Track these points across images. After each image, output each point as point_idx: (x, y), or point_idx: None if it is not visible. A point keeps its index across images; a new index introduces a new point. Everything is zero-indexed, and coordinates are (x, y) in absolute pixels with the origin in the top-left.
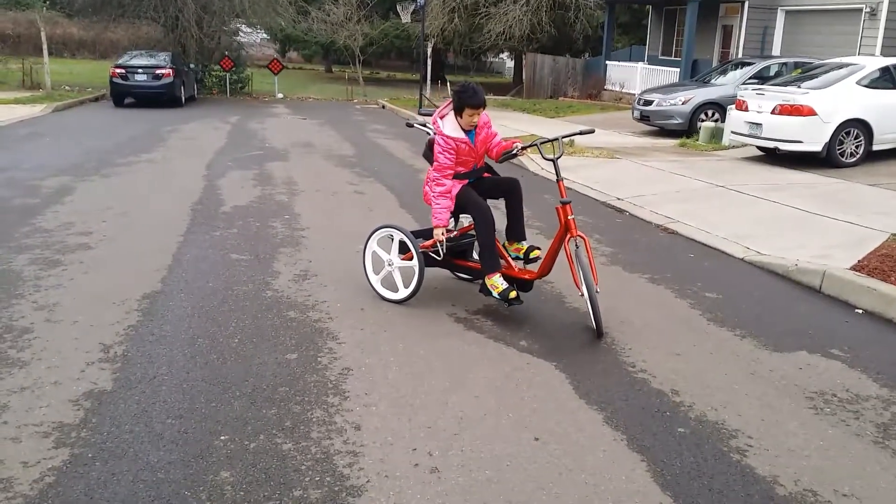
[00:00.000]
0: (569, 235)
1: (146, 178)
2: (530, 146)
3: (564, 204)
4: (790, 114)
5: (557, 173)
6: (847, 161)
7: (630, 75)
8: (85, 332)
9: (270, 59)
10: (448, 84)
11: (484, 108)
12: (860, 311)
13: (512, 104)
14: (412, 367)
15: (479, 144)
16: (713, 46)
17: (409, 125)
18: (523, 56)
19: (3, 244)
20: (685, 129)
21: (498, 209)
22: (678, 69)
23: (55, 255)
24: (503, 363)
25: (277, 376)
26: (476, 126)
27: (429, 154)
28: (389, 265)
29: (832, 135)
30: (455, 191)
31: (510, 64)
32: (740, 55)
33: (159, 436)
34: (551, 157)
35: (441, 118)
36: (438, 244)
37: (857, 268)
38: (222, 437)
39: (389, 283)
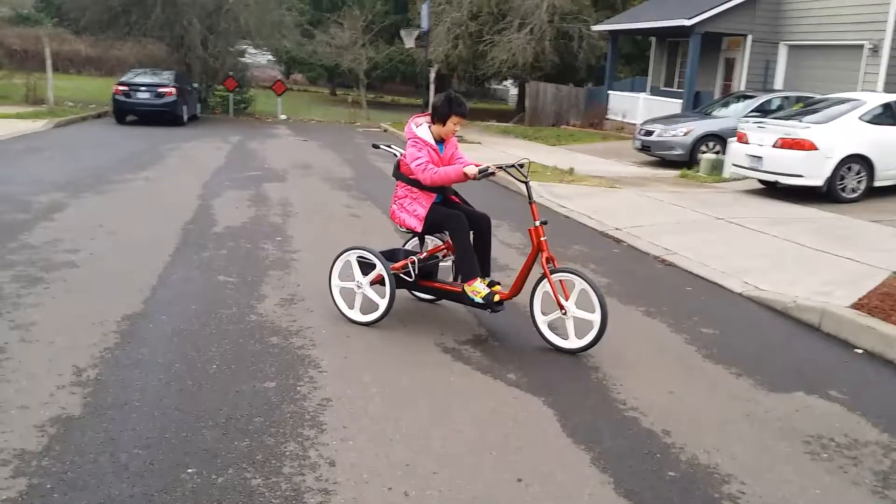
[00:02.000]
0: (544, 255)
1: (140, 196)
2: (501, 167)
3: (538, 226)
4: (791, 147)
5: (529, 196)
6: (848, 196)
7: (632, 105)
8: (60, 354)
9: (274, 81)
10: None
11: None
12: (860, 351)
13: (514, 131)
14: (395, 398)
15: (447, 159)
16: (715, 79)
17: (376, 146)
18: (526, 84)
19: None
20: (686, 161)
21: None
22: (680, 100)
23: (39, 273)
24: (489, 397)
25: (253, 406)
26: (445, 141)
27: (397, 173)
28: (358, 287)
29: (833, 170)
30: (426, 207)
31: (514, 91)
32: (742, 88)
33: (124, 467)
34: (524, 179)
35: (416, 125)
36: (410, 265)
37: (857, 306)
38: (189, 470)
39: (360, 305)
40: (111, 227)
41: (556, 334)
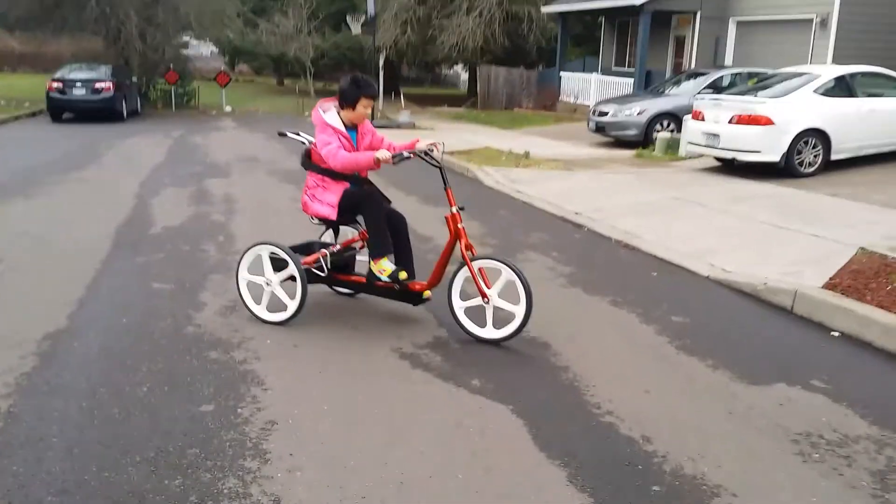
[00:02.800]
0: (462, 242)
1: (73, 199)
2: (414, 153)
3: (454, 212)
4: (747, 123)
5: (444, 181)
6: (805, 171)
7: (584, 86)
8: None
9: (218, 72)
10: (402, 96)
11: (374, 99)
12: (836, 334)
13: (466, 116)
14: (348, 416)
15: (362, 147)
16: (666, 57)
17: (282, 134)
18: (477, 68)
19: None
20: (641, 140)
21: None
22: (632, 80)
23: None
24: (453, 408)
25: (188, 434)
26: (357, 129)
27: (307, 162)
28: (267, 284)
29: (790, 144)
30: (338, 195)
31: (465, 76)
32: (693, 66)
33: None
34: (438, 164)
35: (324, 111)
36: (322, 258)
37: (830, 286)
38: None
39: (267, 303)
40: (37, 234)
41: (473, 322)
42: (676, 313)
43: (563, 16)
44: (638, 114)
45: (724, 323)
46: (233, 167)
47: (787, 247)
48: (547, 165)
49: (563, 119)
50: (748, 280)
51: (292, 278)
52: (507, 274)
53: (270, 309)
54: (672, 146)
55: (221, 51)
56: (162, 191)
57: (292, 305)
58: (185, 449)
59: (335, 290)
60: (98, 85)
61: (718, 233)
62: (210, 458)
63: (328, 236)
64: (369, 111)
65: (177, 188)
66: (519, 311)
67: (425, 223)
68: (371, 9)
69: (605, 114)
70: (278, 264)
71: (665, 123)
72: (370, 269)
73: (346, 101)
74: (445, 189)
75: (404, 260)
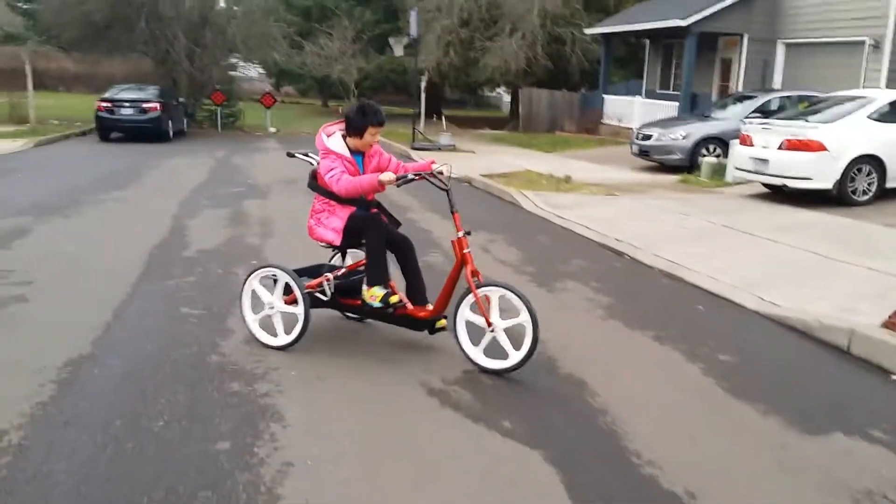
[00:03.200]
0: (469, 268)
1: (111, 219)
2: (419, 175)
3: (461, 237)
4: (798, 149)
5: (451, 205)
6: (859, 199)
7: (627, 109)
8: None
9: (263, 94)
10: (443, 118)
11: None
12: None
13: (507, 139)
14: (370, 459)
15: (369, 171)
16: (712, 80)
17: (291, 155)
18: (519, 90)
19: None
20: (686, 165)
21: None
22: (677, 103)
23: None
24: (482, 453)
25: (201, 474)
26: (364, 153)
27: (313, 184)
28: (270, 308)
29: (843, 171)
30: (343, 219)
31: (507, 98)
32: (740, 89)
33: None
34: (446, 187)
35: (327, 136)
36: (325, 283)
37: (889, 325)
38: None
39: (269, 327)
40: (72, 255)
41: (492, 357)
42: (724, 351)
43: (607, 37)
44: (683, 138)
45: (775, 363)
46: (272, 189)
47: (841, 280)
48: (588, 190)
49: (606, 142)
50: (799, 316)
51: (295, 302)
52: (497, 292)
53: (287, 331)
54: (718, 171)
55: (268, 73)
56: (200, 212)
57: (287, 336)
58: (197, 491)
59: (346, 316)
60: (145, 105)
61: (767, 264)
62: (221, 501)
63: (337, 259)
64: (377, 139)
65: (215, 209)
66: (524, 318)
67: None
68: (414, 30)
69: (649, 137)
70: (289, 290)
71: (711, 148)
72: (363, 296)
73: (354, 129)
74: (452, 213)
75: (414, 286)
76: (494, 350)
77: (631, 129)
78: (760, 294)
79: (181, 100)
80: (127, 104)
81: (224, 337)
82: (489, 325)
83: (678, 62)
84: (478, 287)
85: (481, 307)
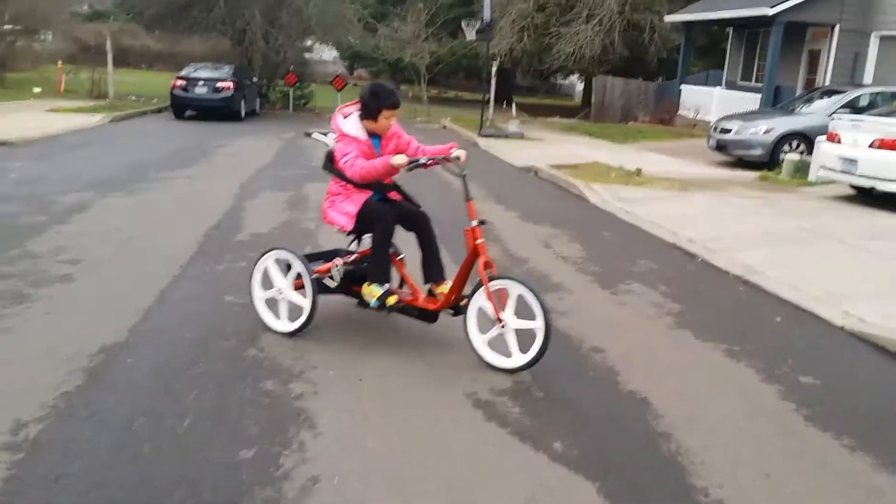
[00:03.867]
0: (482, 260)
1: (172, 197)
2: (432, 160)
3: (474, 226)
4: (892, 149)
5: (466, 193)
6: None
7: (706, 101)
8: (5, 402)
9: (335, 76)
10: (513, 105)
11: (398, 108)
12: None
13: (578, 128)
14: (404, 477)
15: (386, 153)
16: (798, 72)
17: (307, 134)
18: (593, 78)
19: None
20: (766, 162)
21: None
22: (759, 95)
23: (27, 289)
24: (528, 476)
25: (219, 486)
26: (382, 137)
27: (329, 165)
28: (279, 293)
29: None
30: (358, 204)
31: (580, 87)
32: (828, 82)
33: None
34: (461, 173)
35: (343, 117)
36: (334, 268)
37: None
38: None
39: (287, 313)
40: (127, 233)
41: (497, 352)
42: (805, 372)
43: (688, 25)
44: (764, 132)
45: (863, 388)
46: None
47: None
48: (660, 184)
49: (682, 135)
50: (890, 335)
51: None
52: (515, 289)
53: (291, 318)
54: (801, 170)
55: (341, 55)
56: (260, 193)
57: (305, 310)
58: None
59: (359, 303)
60: (219, 84)
61: (855, 273)
62: None
63: (357, 244)
64: (393, 122)
65: (275, 191)
66: (538, 325)
67: (522, 242)
68: (487, 15)
69: (728, 131)
70: (288, 271)
71: (794, 144)
72: (362, 292)
73: (368, 112)
74: (466, 201)
75: (431, 263)
76: (499, 344)
77: (708, 121)
78: (847, 307)
79: (255, 80)
80: (201, 83)
81: (265, 329)
82: (500, 321)
83: (762, 53)
84: (490, 280)
85: (493, 302)
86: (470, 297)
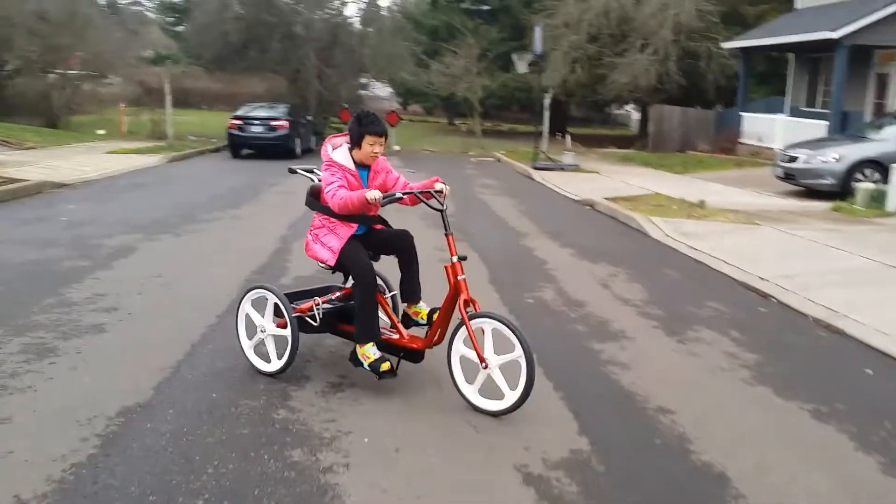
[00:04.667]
0: (462, 297)
1: (218, 238)
2: (407, 194)
3: (455, 262)
4: None
5: (445, 226)
6: None
7: (769, 128)
8: (8, 474)
9: (388, 111)
10: (567, 136)
11: (385, 139)
12: None
13: (635, 158)
14: None
15: (372, 187)
16: (865, 97)
17: (292, 171)
18: (649, 107)
19: (8, 322)
20: (838, 191)
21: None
22: (823, 122)
23: (55, 341)
24: None
25: None
26: (370, 167)
27: (311, 201)
28: (262, 332)
29: None
30: (343, 239)
31: (636, 115)
32: None
33: None
34: (439, 207)
35: (333, 147)
36: (315, 308)
37: None
38: None
39: (263, 352)
40: (168, 278)
41: (487, 398)
42: None
43: (746, 52)
44: (836, 160)
45: None
46: (386, 210)
47: None
48: (725, 217)
49: (744, 163)
50: None
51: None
52: (489, 324)
53: (280, 356)
54: (877, 199)
55: (395, 91)
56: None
57: (278, 361)
58: None
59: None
60: (274, 123)
61: None
62: None
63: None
64: (377, 149)
65: None
66: (518, 354)
67: (578, 281)
68: (538, 47)
69: (796, 159)
70: (281, 312)
71: (868, 172)
72: (354, 351)
73: (353, 139)
74: (446, 236)
75: (408, 285)
76: (490, 388)
77: (772, 149)
78: None
79: (309, 118)
80: (257, 122)
81: (298, 385)
82: (482, 360)
83: (826, 78)
84: (472, 318)
85: (474, 341)
86: (449, 345)
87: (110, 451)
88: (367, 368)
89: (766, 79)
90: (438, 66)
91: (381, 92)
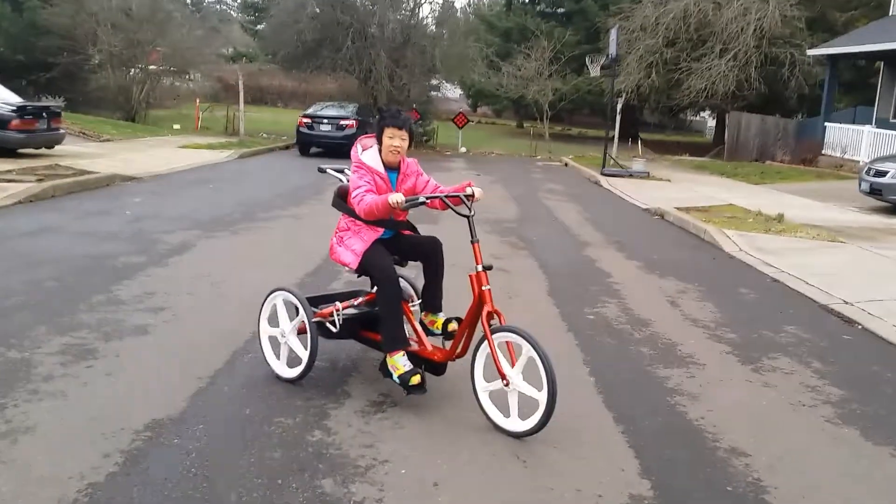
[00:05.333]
0: (486, 309)
1: (276, 237)
2: (433, 198)
3: (479, 271)
4: None
5: (472, 233)
6: None
7: (854, 140)
8: (18, 493)
9: (457, 113)
10: (638, 142)
11: (408, 133)
12: None
13: (710, 166)
14: None
15: (401, 191)
16: None
17: (322, 170)
18: (727, 115)
19: (54, 319)
20: None
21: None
22: None
23: (95, 343)
24: None
25: None
26: (400, 170)
27: (338, 202)
28: (282, 336)
29: None
30: (366, 242)
31: (712, 123)
32: None
33: None
34: (466, 213)
35: (363, 149)
36: (335, 313)
37: None
38: None
39: (286, 357)
40: (220, 277)
41: (497, 408)
42: None
43: (833, 59)
44: None
45: None
46: (446, 211)
47: None
48: (805, 232)
49: (826, 176)
50: None
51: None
52: (527, 350)
53: (290, 364)
54: None
55: (465, 93)
56: None
57: (304, 357)
58: None
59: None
60: (342, 122)
61: None
62: None
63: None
64: (397, 143)
65: None
66: (542, 397)
67: (644, 298)
68: (613, 50)
69: (884, 173)
70: (294, 313)
71: None
72: (384, 361)
73: (377, 136)
74: (472, 243)
75: (430, 292)
76: (500, 398)
77: (856, 161)
78: None
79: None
80: (325, 121)
81: (337, 403)
82: (504, 379)
83: None
84: (494, 332)
85: (495, 357)
86: (472, 363)
87: (131, 470)
88: (397, 381)
89: (850, 88)
90: (510, 69)
91: (451, 93)
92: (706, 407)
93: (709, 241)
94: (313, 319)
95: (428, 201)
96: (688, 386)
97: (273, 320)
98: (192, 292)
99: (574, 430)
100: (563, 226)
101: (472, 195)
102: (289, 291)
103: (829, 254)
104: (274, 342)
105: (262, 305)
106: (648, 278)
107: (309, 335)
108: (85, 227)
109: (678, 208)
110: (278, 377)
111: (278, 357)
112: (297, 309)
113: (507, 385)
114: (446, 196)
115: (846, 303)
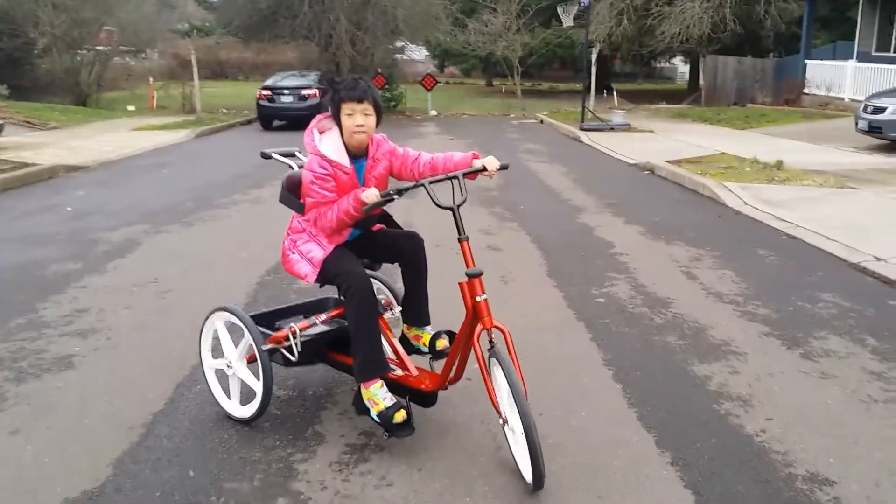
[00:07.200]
0: (479, 327)
1: (233, 228)
2: (414, 187)
3: (471, 277)
4: None
5: (459, 229)
6: None
7: (838, 76)
8: None
9: (424, 75)
10: (614, 93)
11: (373, 106)
12: None
13: (690, 114)
14: None
15: (372, 181)
16: None
17: (265, 156)
18: (700, 59)
19: None
20: None
21: None
22: None
23: (4, 386)
24: None
25: None
26: (368, 152)
27: (288, 198)
28: (229, 368)
29: None
30: (327, 249)
31: (683, 69)
32: None
33: None
34: (449, 204)
35: (320, 133)
36: (291, 337)
37: None
38: None
39: (238, 394)
40: (166, 284)
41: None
42: None
43: None
44: None
45: None
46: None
47: None
48: (810, 179)
49: (813, 116)
50: None
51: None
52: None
53: (243, 402)
54: None
55: (431, 53)
56: None
57: (258, 392)
58: None
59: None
60: (304, 92)
61: None
62: None
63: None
64: (363, 121)
65: None
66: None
67: (655, 270)
68: None
69: (883, 110)
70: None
71: None
72: (358, 392)
73: (333, 113)
74: (460, 241)
75: (414, 302)
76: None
77: (842, 98)
78: None
79: None
80: (286, 91)
81: (307, 452)
82: (499, 413)
83: None
84: (491, 357)
85: (489, 388)
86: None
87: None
88: (376, 419)
89: (828, 24)
90: (476, 25)
91: (416, 55)
92: (763, 415)
93: (708, 196)
94: (264, 348)
95: (400, 195)
96: (734, 386)
97: (217, 350)
98: (132, 305)
99: (613, 469)
100: (551, 190)
101: (484, 168)
102: (230, 312)
103: (843, 202)
104: (221, 376)
105: (202, 332)
106: (655, 246)
107: (260, 367)
108: (15, 230)
109: (668, 161)
110: (230, 417)
111: (228, 395)
112: (243, 332)
113: (503, 423)
114: (445, 177)
115: (878, 259)
